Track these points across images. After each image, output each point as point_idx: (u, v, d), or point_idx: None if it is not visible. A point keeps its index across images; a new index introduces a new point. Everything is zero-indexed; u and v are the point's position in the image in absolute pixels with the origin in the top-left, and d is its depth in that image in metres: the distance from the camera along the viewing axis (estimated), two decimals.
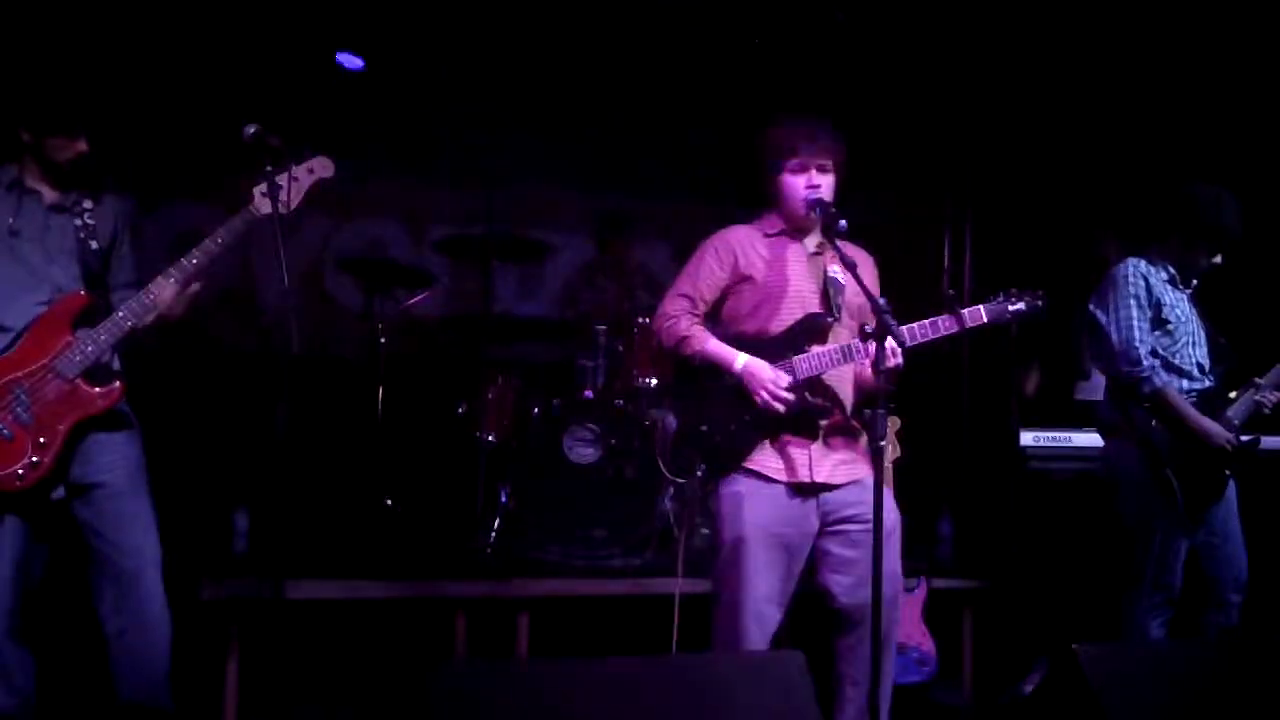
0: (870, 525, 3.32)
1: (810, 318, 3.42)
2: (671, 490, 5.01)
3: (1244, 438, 4.02)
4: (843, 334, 3.44)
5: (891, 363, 3.18)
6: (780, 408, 3.33)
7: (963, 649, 4.91)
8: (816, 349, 3.39)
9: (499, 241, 5.60)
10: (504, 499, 5.11)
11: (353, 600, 4.34)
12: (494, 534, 5.00)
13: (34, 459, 3.22)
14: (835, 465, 3.42)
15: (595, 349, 5.43)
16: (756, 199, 3.59)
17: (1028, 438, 5.14)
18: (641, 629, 4.20)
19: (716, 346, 3.43)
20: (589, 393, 5.35)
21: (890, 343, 3.16)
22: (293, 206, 3.38)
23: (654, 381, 5.18)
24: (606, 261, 6.13)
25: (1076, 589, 4.71)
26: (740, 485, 3.39)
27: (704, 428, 3.42)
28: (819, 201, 3.38)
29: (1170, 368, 4.05)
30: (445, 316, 6.11)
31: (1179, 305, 4.12)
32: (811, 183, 3.40)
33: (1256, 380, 4.13)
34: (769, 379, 3.34)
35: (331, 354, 6.21)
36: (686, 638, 3.78)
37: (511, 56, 6.21)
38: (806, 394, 3.37)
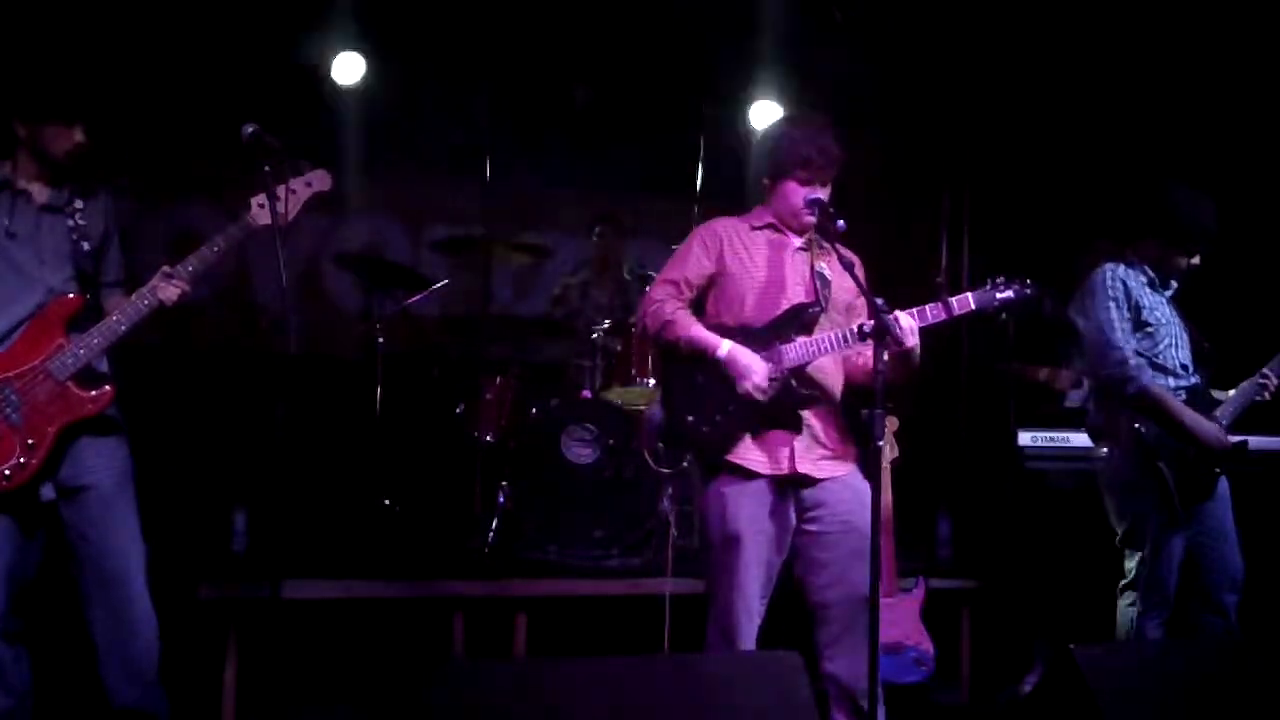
0: (846, 525, 3.37)
1: (797, 308, 3.42)
2: (670, 490, 5.01)
3: (1233, 439, 4.01)
4: (828, 326, 3.44)
5: (910, 342, 3.22)
6: (762, 397, 3.33)
7: (961, 649, 4.92)
8: (803, 339, 3.39)
9: (497, 242, 5.60)
10: (502, 499, 5.11)
11: (351, 600, 4.34)
12: (492, 534, 5.00)
13: (21, 460, 3.20)
14: (818, 459, 3.42)
15: (593, 349, 5.44)
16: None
17: (1025, 438, 5.12)
18: (639, 629, 4.21)
19: (700, 332, 3.43)
20: (587, 393, 5.36)
21: (906, 322, 3.21)
22: (290, 218, 3.38)
23: (652, 382, 5.17)
24: (601, 262, 6.13)
25: (1074, 589, 4.71)
26: (725, 484, 3.40)
27: (690, 419, 3.42)
28: (817, 201, 3.40)
29: (1154, 367, 4.03)
30: (443, 316, 6.11)
31: (1159, 308, 4.10)
32: (813, 195, 3.43)
33: (1265, 371, 4.08)
34: (752, 366, 3.34)
35: (329, 353, 6.20)
36: (680, 636, 3.78)
37: (510, 56, 6.21)
38: (791, 383, 3.37)
